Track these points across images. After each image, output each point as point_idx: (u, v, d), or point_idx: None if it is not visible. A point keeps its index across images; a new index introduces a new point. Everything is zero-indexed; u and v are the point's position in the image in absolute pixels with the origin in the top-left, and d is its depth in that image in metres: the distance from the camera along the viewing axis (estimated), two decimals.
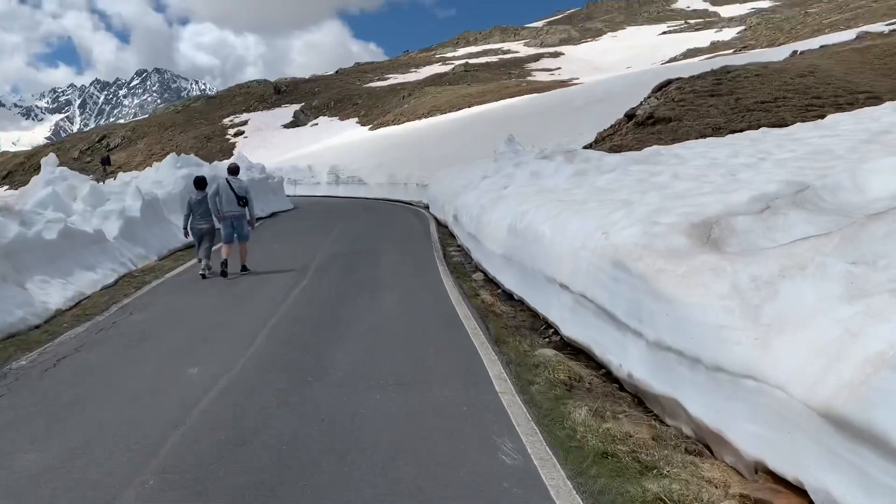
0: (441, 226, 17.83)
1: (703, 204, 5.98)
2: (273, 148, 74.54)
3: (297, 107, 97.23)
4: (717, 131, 14.59)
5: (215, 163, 25.14)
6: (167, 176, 20.20)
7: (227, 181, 11.72)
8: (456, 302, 8.54)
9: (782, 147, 9.45)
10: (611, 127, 20.50)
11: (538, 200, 8.79)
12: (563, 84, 75.69)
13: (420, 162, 30.97)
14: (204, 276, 11.31)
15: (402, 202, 28.33)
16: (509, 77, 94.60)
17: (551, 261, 7.33)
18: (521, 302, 8.70)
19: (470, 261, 12.08)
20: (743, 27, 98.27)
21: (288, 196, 30.34)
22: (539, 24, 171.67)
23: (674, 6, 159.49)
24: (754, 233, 5.46)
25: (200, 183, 11.84)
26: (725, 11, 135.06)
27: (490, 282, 10.22)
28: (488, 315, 8.03)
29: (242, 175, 23.13)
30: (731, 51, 66.23)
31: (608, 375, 6.07)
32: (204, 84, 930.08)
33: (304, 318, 7.94)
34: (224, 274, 11.14)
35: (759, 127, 14.07)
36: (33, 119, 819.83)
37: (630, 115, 19.18)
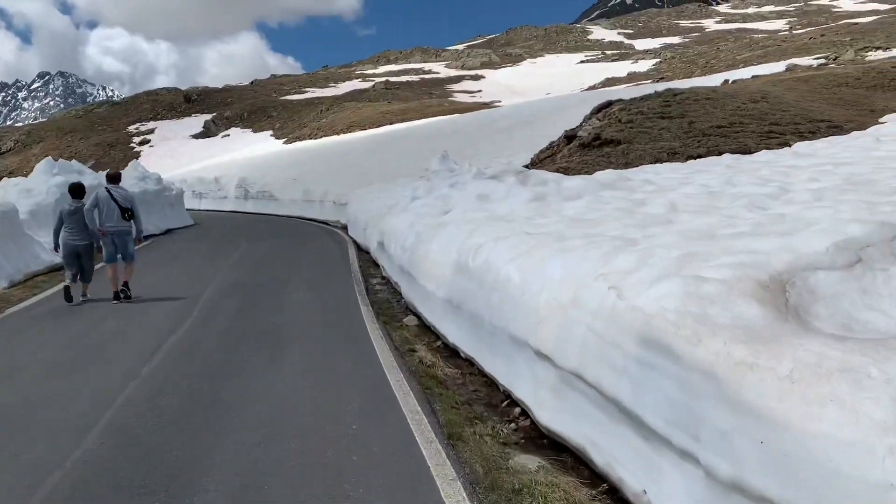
0: (362, 251, 15.66)
1: (757, 251, 4.15)
2: (180, 158, 70.23)
3: (208, 117, 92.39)
4: (674, 156, 13.18)
5: (103, 172, 21.99)
6: (39, 184, 17.21)
7: (108, 190, 9.85)
8: (387, 365, 6.37)
9: (790, 175, 7.91)
10: (548, 148, 18.92)
11: (495, 231, 6.82)
12: (485, 105, 74.93)
13: (338, 178, 28.67)
14: (70, 301, 9.53)
15: (317, 221, 25.92)
16: (430, 96, 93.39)
17: (521, 316, 5.36)
18: (471, 362, 6.71)
19: (398, 297, 10.02)
20: (658, 60, 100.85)
21: (190, 210, 27.65)
22: (460, 47, 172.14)
23: (590, 37, 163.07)
24: (847, 298, 3.66)
25: (78, 190, 10.03)
26: (640, 45, 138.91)
27: (426, 328, 8.19)
28: (430, 384, 5.96)
29: (134, 186, 20.38)
30: (649, 80, 67.16)
31: (612, 493, 4.17)
32: (112, 90, 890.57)
33: (171, 392, 5.53)
34: (119, 296, 9.62)
35: (721, 153, 12.74)
36: None
37: (570, 136, 17.64)
